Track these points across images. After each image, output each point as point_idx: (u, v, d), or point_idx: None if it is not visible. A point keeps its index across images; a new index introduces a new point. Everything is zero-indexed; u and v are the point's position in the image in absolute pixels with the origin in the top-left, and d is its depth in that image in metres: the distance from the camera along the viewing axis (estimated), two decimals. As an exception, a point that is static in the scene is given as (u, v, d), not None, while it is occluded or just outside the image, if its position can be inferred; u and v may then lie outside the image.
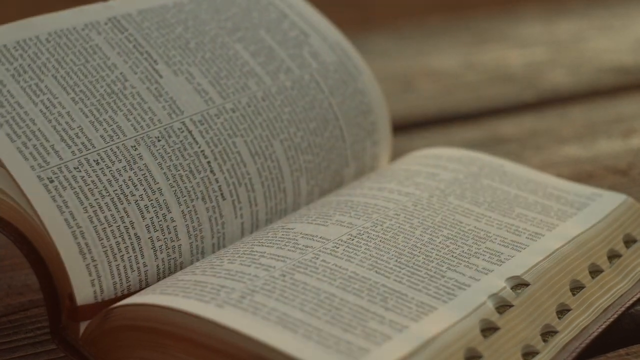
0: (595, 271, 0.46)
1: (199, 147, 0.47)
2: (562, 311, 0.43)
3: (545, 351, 0.41)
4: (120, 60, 0.47)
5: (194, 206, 0.45)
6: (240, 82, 0.50)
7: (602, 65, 0.81)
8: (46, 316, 0.42)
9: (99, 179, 0.43)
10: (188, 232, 0.45)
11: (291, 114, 0.51)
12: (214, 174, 0.47)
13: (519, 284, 0.43)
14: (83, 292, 0.41)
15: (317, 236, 0.44)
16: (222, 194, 0.47)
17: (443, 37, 0.90)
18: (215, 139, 0.47)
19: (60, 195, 0.42)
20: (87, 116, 0.45)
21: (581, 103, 0.73)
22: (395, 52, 0.87)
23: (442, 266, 0.43)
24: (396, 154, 0.58)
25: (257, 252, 0.43)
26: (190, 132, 0.47)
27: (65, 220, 0.41)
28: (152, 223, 0.44)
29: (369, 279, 0.41)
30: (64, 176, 0.42)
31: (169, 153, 0.46)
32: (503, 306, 0.41)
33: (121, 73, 0.47)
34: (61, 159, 0.43)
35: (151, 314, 0.39)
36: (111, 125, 0.45)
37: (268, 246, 0.43)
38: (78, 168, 0.43)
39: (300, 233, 0.44)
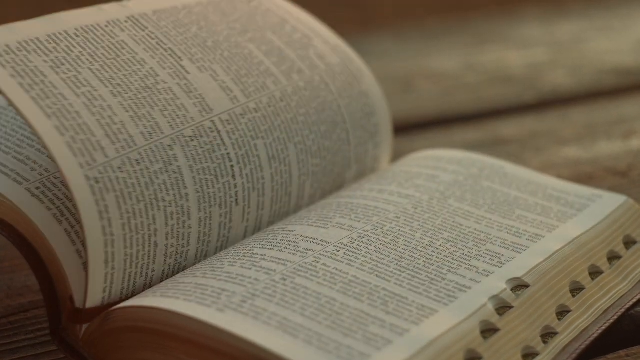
0: (595, 272, 0.46)
1: (226, 150, 0.46)
2: (562, 312, 0.43)
3: (545, 352, 0.41)
4: (148, 56, 0.46)
5: (210, 212, 0.45)
6: (259, 81, 0.49)
7: (602, 66, 0.81)
8: (46, 317, 0.42)
9: (138, 181, 0.42)
10: (199, 238, 0.45)
11: (305, 116, 0.50)
12: (234, 179, 0.46)
13: (519, 286, 0.43)
14: (94, 298, 0.41)
15: (317, 239, 0.44)
16: (236, 200, 0.46)
17: (443, 38, 0.90)
18: (240, 141, 0.46)
19: (103, 199, 0.40)
20: (127, 110, 0.43)
21: (581, 104, 0.73)
22: (395, 53, 0.87)
23: (443, 269, 0.43)
24: (396, 155, 0.58)
25: (257, 254, 0.43)
26: (219, 132, 0.46)
27: (103, 227, 0.40)
28: (172, 230, 0.43)
29: (370, 282, 0.41)
30: (109, 177, 0.41)
31: (199, 155, 0.45)
32: (503, 307, 0.41)
33: (151, 68, 0.46)
34: (107, 156, 0.41)
35: (152, 316, 0.39)
36: (150, 122, 0.43)
37: (268, 249, 0.43)
38: (121, 168, 0.41)
39: (301, 236, 0.44)
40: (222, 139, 0.46)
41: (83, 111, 0.42)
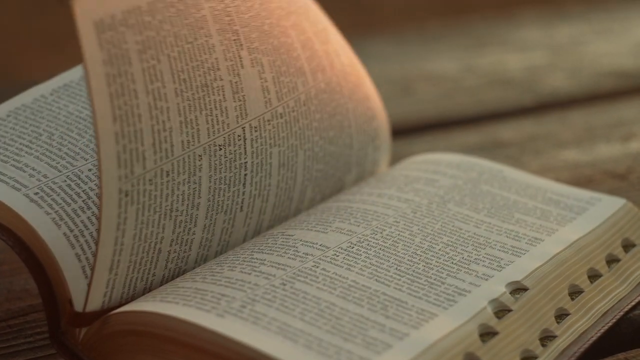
0: (594, 276, 0.46)
1: (245, 159, 0.45)
2: (561, 316, 0.43)
3: (544, 356, 0.41)
4: (218, 41, 0.43)
5: (215, 219, 0.45)
6: (292, 81, 0.47)
7: (601, 69, 0.81)
8: (45, 321, 0.42)
9: (161, 193, 0.41)
10: (201, 243, 0.45)
11: (319, 121, 0.49)
12: (244, 187, 0.45)
13: (518, 289, 0.43)
14: (95, 303, 0.41)
15: (317, 244, 0.44)
16: (241, 206, 0.46)
17: (443, 41, 0.90)
18: (259, 149, 0.45)
19: (125, 212, 0.40)
20: (179, 115, 0.41)
21: (580, 107, 0.73)
22: (395, 56, 0.87)
23: (442, 273, 0.43)
24: (396, 159, 0.58)
25: (257, 259, 0.43)
26: (245, 140, 0.44)
27: (116, 238, 0.40)
28: (177, 237, 0.43)
29: (369, 287, 0.41)
30: (137, 190, 0.40)
31: (222, 164, 0.43)
32: (502, 311, 0.42)
33: (216, 59, 0.43)
34: (144, 168, 0.40)
35: (152, 320, 0.39)
36: (193, 129, 0.42)
37: (268, 253, 0.43)
38: (152, 180, 0.40)
39: (300, 240, 0.44)
40: (245, 148, 0.44)
41: (145, 114, 0.40)
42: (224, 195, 0.44)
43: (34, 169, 0.44)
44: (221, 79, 0.43)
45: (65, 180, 0.44)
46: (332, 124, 0.50)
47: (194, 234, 0.44)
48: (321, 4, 0.53)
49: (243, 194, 0.45)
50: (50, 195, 0.43)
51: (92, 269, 0.40)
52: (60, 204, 0.43)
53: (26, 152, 0.45)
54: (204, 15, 0.43)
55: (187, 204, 0.43)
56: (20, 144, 0.45)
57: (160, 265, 0.43)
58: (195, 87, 0.42)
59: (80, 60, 0.50)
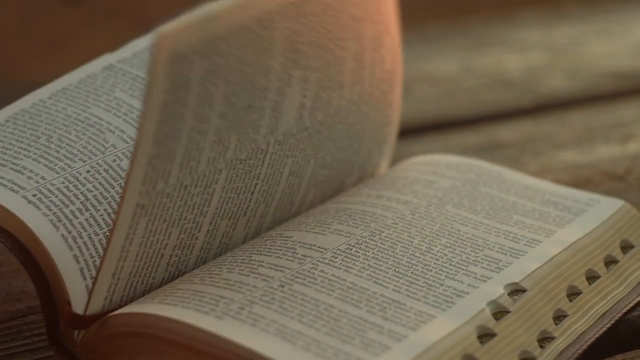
0: (592, 277, 0.46)
1: (260, 170, 0.43)
2: (559, 317, 0.43)
3: (542, 357, 0.41)
4: (279, 62, 0.40)
5: (219, 225, 0.44)
6: (328, 95, 0.45)
7: (600, 70, 0.81)
8: (44, 323, 0.42)
9: (174, 204, 0.40)
10: (202, 247, 0.45)
11: (340, 131, 0.48)
12: (252, 195, 0.44)
13: (516, 290, 0.43)
14: (95, 306, 0.41)
15: (315, 245, 0.44)
16: (245, 212, 0.45)
17: (441, 42, 0.90)
18: (276, 161, 0.44)
19: (137, 223, 0.39)
20: (215, 135, 0.39)
21: (579, 108, 0.73)
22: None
23: (441, 275, 0.43)
24: (395, 160, 0.58)
25: (255, 261, 0.43)
26: (266, 153, 0.42)
27: (123, 246, 0.40)
28: (181, 243, 0.43)
29: (368, 289, 0.41)
30: (154, 203, 0.39)
31: (237, 176, 0.42)
32: (500, 312, 0.42)
33: (268, 79, 0.41)
34: (166, 183, 0.39)
35: (151, 322, 0.39)
36: (223, 147, 0.40)
37: (267, 255, 0.43)
38: (170, 194, 0.40)
39: (299, 242, 0.44)
40: (263, 160, 0.43)
41: (184, 137, 0.38)
42: (231, 203, 0.44)
43: (32, 171, 0.44)
44: (266, 99, 0.41)
45: (64, 182, 0.44)
46: (350, 133, 0.49)
47: (197, 238, 0.44)
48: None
49: (249, 200, 0.45)
50: (49, 197, 0.43)
51: (96, 275, 0.40)
52: (58, 205, 0.43)
53: (24, 155, 0.45)
54: (275, 37, 0.40)
55: (196, 213, 0.42)
56: (19, 147, 0.45)
57: (161, 269, 0.43)
58: (240, 108, 0.40)
59: (80, 61, 0.50)
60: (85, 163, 0.45)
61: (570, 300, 0.44)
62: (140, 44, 0.50)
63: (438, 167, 0.53)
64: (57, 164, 0.44)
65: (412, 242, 0.45)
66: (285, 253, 0.43)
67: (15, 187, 0.43)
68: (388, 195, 0.49)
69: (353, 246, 0.44)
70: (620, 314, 0.45)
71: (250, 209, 0.46)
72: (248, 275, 0.42)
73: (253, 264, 0.42)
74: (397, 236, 0.46)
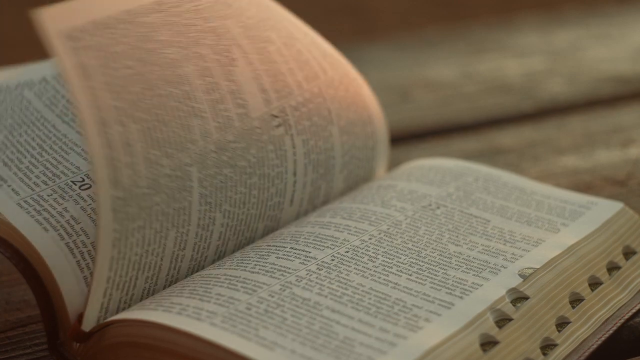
0: (594, 283, 0.46)
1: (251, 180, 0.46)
2: (562, 324, 0.43)
3: (545, 365, 0.41)
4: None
5: (229, 239, 0.45)
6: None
7: (600, 75, 0.81)
8: (44, 332, 0.42)
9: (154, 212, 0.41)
10: (192, 257, 0.45)
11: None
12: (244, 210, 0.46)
13: (518, 298, 0.43)
14: (90, 320, 0.41)
15: (309, 253, 0.44)
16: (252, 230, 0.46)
17: (441, 47, 0.90)
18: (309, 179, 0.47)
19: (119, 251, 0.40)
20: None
21: (579, 113, 0.73)
22: (393, 62, 0.87)
23: (439, 274, 0.43)
24: (394, 166, 0.58)
25: (238, 277, 0.43)
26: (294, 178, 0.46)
27: (110, 266, 0.40)
28: (176, 255, 0.43)
29: (342, 312, 0.41)
30: (127, 231, 0.40)
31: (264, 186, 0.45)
32: (503, 320, 0.41)
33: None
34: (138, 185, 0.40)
35: (150, 332, 0.39)
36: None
37: (250, 271, 0.43)
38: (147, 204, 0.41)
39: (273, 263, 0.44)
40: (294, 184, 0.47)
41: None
42: (240, 208, 0.45)
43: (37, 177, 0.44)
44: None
45: (56, 191, 0.44)
46: (368, 145, 0.52)
47: (185, 250, 0.44)
48: (321, 9, 0.53)
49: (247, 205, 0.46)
50: (42, 206, 0.43)
51: (87, 292, 0.40)
52: (55, 217, 0.43)
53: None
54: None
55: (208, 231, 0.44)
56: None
57: (161, 279, 0.43)
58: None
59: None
60: (75, 174, 0.45)
61: (573, 307, 0.44)
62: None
63: (431, 171, 0.53)
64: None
65: (421, 239, 0.45)
66: (291, 256, 0.44)
67: (12, 194, 0.43)
68: (387, 201, 0.49)
69: (336, 258, 0.44)
70: (622, 320, 0.45)
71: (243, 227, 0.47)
72: (239, 290, 0.41)
73: (233, 280, 0.42)
74: (399, 239, 0.46)
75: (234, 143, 0.44)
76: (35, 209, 0.43)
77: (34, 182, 0.44)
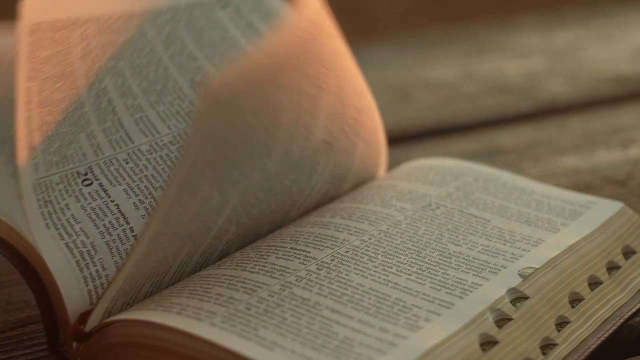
0: (594, 283, 0.46)
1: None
2: (561, 324, 0.43)
3: (544, 364, 0.41)
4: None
5: (234, 243, 0.45)
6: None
7: (600, 75, 0.81)
8: (44, 332, 0.42)
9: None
10: (197, 262, 0.45)
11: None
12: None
13: (518, 297, 0.43)
14: (95, 320, 0.41)
15: (304, 256, 0.44)
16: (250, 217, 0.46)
17: (441, 48, 0.90)
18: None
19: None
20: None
21: (579, 113, 0.73)
22: (393, 63, 0.87)
23: (437, 275, 0.43)
24: (394, 165, 0.58)
25: (238, 277, 0.43)
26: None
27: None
28: (184, 263, 0.43)
29: (342, 312, 0.41)
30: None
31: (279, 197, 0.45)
32: (502, 320, 0.41)
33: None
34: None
35: (149, 332, 0.39)
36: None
37: (250, 271, 0.43)
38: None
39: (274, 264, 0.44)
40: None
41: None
42: (248, 218, 0.45)
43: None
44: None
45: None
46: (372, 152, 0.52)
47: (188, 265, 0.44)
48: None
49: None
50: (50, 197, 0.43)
51: (103, 294, 0.40)
52: (57, 213, 0.43)
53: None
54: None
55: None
56: None
57: (165, 282, 0.43)
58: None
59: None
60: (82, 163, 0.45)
61: (573, 307, 0.44)
62: None
63: (431, 171, 0.53)
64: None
65: (418, 242, 0.45)
66: (291, 257, 0.43)
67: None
68: (374, 210, 0.49)
69: (349, 250, 0.44)
70: (622, 320, 0.45)
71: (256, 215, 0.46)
72: (238, 291, 0.41)
73: (233, 280, 0.42)
74: (392, 242, 0.46)
75: (278, 168, 0.44)
76: (44, 199, 0.42)
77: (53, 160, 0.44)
